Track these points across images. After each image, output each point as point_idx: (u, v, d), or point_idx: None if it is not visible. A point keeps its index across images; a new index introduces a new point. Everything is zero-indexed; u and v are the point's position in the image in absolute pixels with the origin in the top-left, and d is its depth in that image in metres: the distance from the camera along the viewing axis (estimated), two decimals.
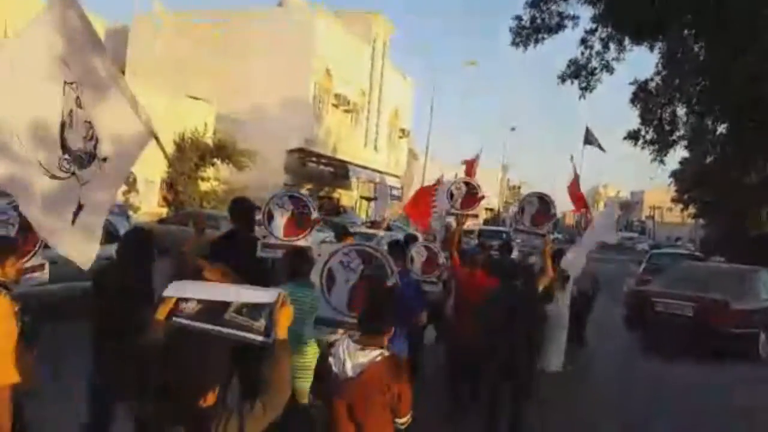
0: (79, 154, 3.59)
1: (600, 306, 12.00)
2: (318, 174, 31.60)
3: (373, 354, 2.92)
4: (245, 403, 2.24)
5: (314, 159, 31.10)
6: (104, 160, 3.66)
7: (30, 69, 3.37)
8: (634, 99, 13.53)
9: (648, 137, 13.81)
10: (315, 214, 5.36)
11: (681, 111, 13.83)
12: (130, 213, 20.52)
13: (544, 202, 7.71)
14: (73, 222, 3.58)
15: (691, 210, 31.30)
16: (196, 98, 27.29)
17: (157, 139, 3.88)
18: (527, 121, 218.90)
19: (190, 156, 25.55)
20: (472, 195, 8.16)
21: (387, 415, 2.93)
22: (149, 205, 24.69)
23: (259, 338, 2.51)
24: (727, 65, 10.38)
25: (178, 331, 2.51)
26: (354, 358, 2.91)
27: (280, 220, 5.32)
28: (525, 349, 5.47)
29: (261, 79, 27.66)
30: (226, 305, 2.61)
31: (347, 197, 35.91)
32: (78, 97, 3.55)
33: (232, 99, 27.38)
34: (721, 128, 17.37)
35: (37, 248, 4.35)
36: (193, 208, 22.39)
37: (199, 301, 2.63)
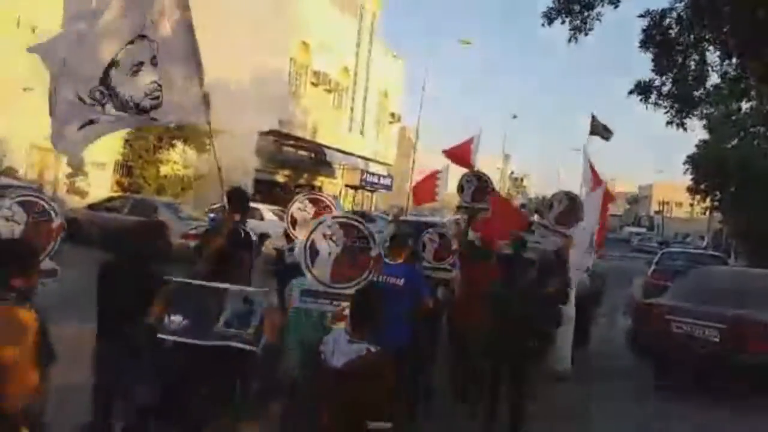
0: (125, 99, 4.10)
1: (601, 313, 10.62)
2: (295, 159, 28.89)
3: (360, 347, 3.04)
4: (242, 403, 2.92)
5: (292, 143, 28.37)
6: (154, 119, 4.32)
7: (116, 12, 4.03)
8: (646, 39, 9.93)
9: (664, 90, 10.36)
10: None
11: (712, 55, 10.26)
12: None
13: (574, 202, 7.62)
14: (79, 128, 4.24)
15: (707, 203, 28.01)
16: None
17: (209, 124, 4.60)
18: (530, 108, 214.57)
19: (147, 135, 22.98)
20: (483, 188, 8.05)
21: (367, 408, 3.00)
22: (101, 190, 21.96)
23: (247, 347, 2.89)
24: None
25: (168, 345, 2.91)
26: (342, 349, 3.05)
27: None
28: (525, 343, 5.47)
29: (228, 52, 24.87)
30: (214, 318, 2.93)
31: (331, 186, 33.23)
32: (155, 56, 4.07)
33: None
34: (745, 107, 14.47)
35: (48, 251, 4.23)
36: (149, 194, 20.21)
37: (186, 316, 2.92)
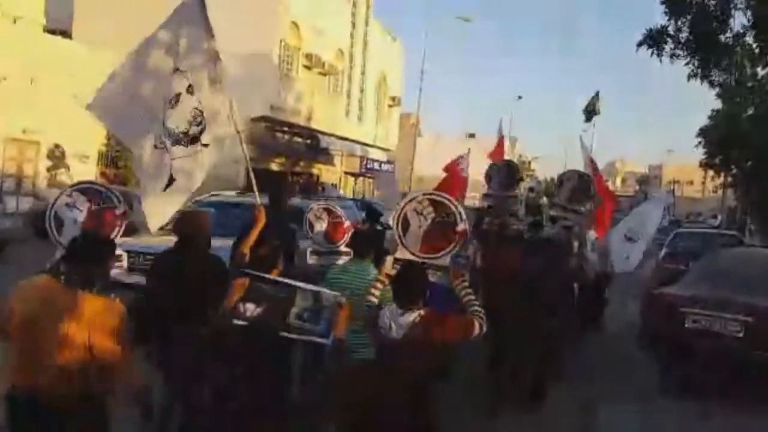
0: (177, 133, 4.27)
1: (609, 300, 10.00)
2: (290, 147, 27.83)
3: (412, 316, 3.27)
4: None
5: (285, 129, 27.31)
6: (205, 145, 4.34)
7: (154, 57, 4.28)
8: None
9: (682, 38, 8.49)
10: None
11: None
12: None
13: (583, 179, 7.70)
14: (165, 189, 4.28)
15: (720, 180, 26.40)
16: None
17: (238, 133, 4.52)
18: (537, 88, 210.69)
19: None
20: (511, 176, 8.12)
21: (430, 371, 3.30)
22: None
23: (320, 340, 3.15)
24: None
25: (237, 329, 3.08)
26: (397, 321, 3.27)
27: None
28: (547, 321, 5.77)
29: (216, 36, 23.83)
30: (286, 310, 3.13)
31: (329, 173, 32.19)
32: (190, 85, 4.27)
33: None
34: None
35: (114, 236, 4.41)
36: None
37: (259, 304, 3.12)
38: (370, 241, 4.82)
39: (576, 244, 7.65)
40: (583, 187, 7.62)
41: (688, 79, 8.90)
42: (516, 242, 6.92)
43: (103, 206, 4.52)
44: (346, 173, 34.01)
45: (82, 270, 2.92)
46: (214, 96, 4.35)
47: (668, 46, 8.59)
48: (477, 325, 3.39)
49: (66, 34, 25.73)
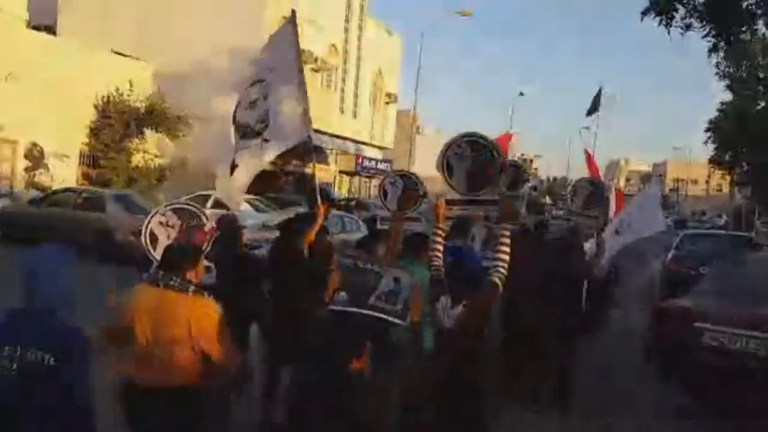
0: (243, 128, 5.06)
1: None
2: None
3: (460, 307, 3.60)
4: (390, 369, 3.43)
5: None
6: (266, 140, 5.03)
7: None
8: None
9: (695, 4, 7.30)
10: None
11: None
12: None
13: (596, 186, 8.11)
14: (231, 173, 5.10)
15: (728, 178, 25.38)
16: (122, 54, 22.84)
17: (309, 138, 5.28)
18: (539, 84, 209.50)
19: (113, 123, 21.13)
20: (518, 177, 8.35)
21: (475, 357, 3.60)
22: (66, 184, 20.10)
23: (397, 320, 3.30)
24: None
25: (332, 315, 3.34)
26: (448, 313, 3.62)
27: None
28: (550, 319, 5.79)
29: (204, 31, 23.07)
30: (368, 292, 3.34)
31: (323, 172, 31.31)
32: (267, 94, 4.99)
33: (168, 54, 22.88)
34: None
35: (203, 251, 4.61)
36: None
37: (348, 291, 3.36)
38: (425, 243, 4.86)
39: (587, 245, 7.49)
40: (597, 194, 7.93)
41: (708, 55, 7.94)
42: (528, 242, 6.62)
43: (192, 224, 4.99)
44: (341, 172, 33.19)
45: (176, 275, 3.29)
46: (286, 104, 4.91)
47: (679, 15, 7.55)
48: (499, 286, 3.64)
49: (50, 29, 24.95)
